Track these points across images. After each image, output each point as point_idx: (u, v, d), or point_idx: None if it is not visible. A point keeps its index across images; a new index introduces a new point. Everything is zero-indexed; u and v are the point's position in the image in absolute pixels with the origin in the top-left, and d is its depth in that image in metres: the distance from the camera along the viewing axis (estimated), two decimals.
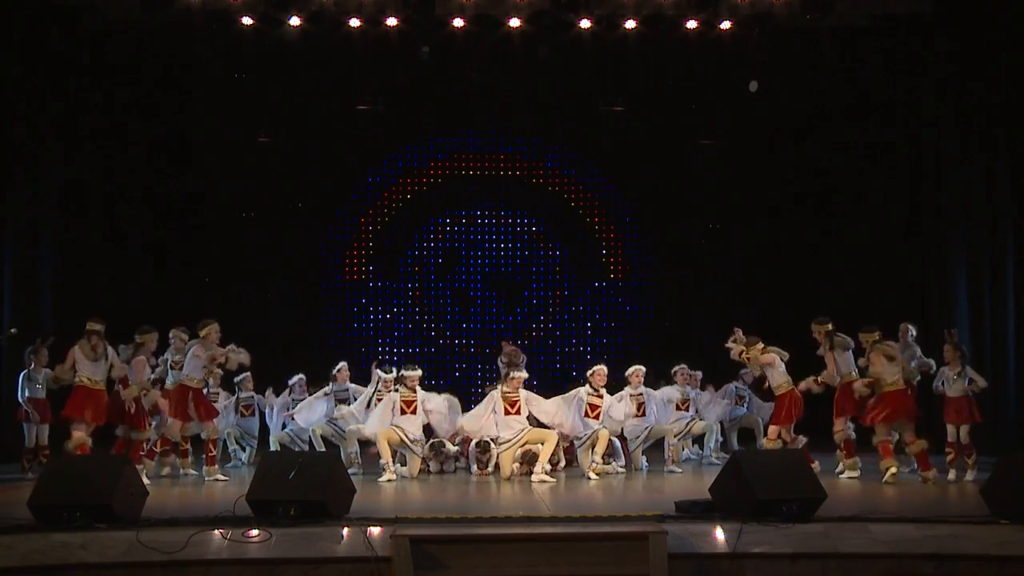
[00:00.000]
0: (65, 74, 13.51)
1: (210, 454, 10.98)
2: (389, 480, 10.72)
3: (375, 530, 7.41)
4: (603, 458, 11.16)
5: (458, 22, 13.43)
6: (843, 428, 10.90)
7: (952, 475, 10.49)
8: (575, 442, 11.45)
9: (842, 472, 10.76)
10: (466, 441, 11.77)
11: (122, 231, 14.71)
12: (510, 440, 11.00)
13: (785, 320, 14.72)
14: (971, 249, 13.47)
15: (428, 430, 11.63)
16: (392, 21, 13.37)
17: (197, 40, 13.62)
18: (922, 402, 11.46)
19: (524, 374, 11.30)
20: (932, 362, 11.13)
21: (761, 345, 11.22)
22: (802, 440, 11.08)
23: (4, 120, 13.14)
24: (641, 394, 11.69)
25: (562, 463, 11.62)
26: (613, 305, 16.59)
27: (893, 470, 10.31)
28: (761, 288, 15.73)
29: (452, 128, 16.52)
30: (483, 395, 11.67)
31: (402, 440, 11.05)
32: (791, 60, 14.30)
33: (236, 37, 13.42)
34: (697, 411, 12.39)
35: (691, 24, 13.50)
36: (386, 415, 11.11)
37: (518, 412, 11.06)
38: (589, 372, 11.38)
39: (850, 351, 10.97)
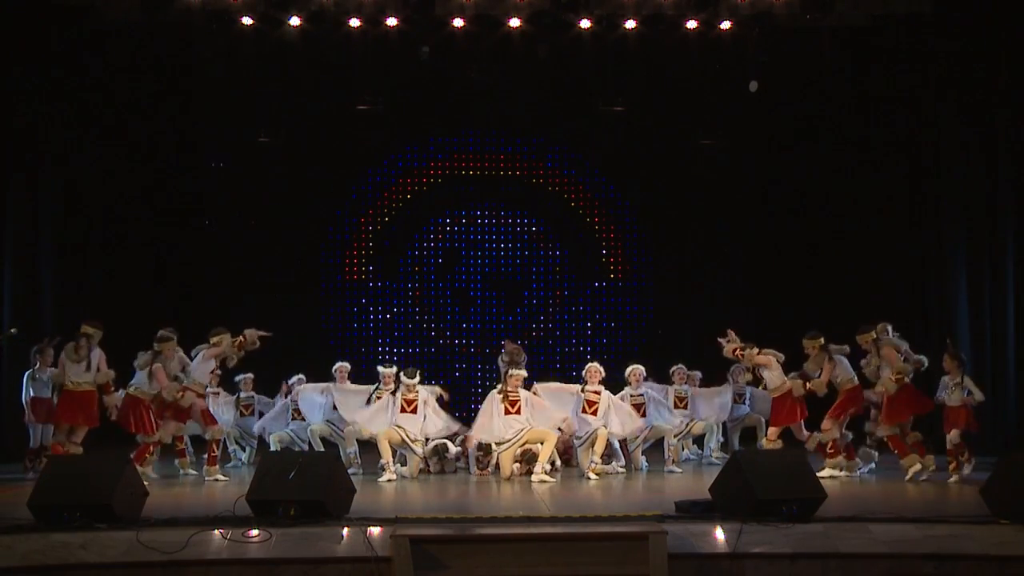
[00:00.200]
0: (65, 74, 13.50)
1: (212, 454, 10.99)
2: (389, 480, 10.73)
3: (375, 530, 7.42)
4: (603, 458, 11.16)
5: (458, 22, 13.43)
6: (830, 428, 10.92)
7: (954, 478, 10.51)
8: (575, 441, 11.46)
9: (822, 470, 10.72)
10: (466, 441, 11.78)
11: (122, 231, 14.70)
12: (510, 440, 11.00)
13: (785, 320, 14.77)
14: (971, 249, 13.46)
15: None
16: (392, 21, 13.36)
17: (197, 40, 13.62)
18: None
19: (523, 372, 11.31)
20: (924, 358, 11.08)
21: (756, 349, 11.29)
22: (817, 437, 11.09)
23: (4, 120, 13.14)
24: (641, 395, 11.68)
25: (558, 462, 11.59)
26: (613, 305, 16.58)
27: (916, 467, 10.47)
28: (761, 288, 15.74)
29: (452, 128, 16.52)
30: (483, 395, 11.66)
31: (403, 440, 11.05)
32: (791, 60, 14.29)
33: (236, 37, 13.41)
34: (695, 408, 12.36)
35: (691, 24, 13.48)
36: (380, 414, 11.10)
37: (518, 412, 11.06)
38: (584, 371, 11.39)
39: (846, 358, 11.05)
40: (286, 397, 12.22)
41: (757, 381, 11.83)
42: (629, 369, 11.74)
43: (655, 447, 12.14)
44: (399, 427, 11.05)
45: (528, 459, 11.05)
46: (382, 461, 10.92)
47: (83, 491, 7.60)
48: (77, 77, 13.66)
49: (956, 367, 10.75)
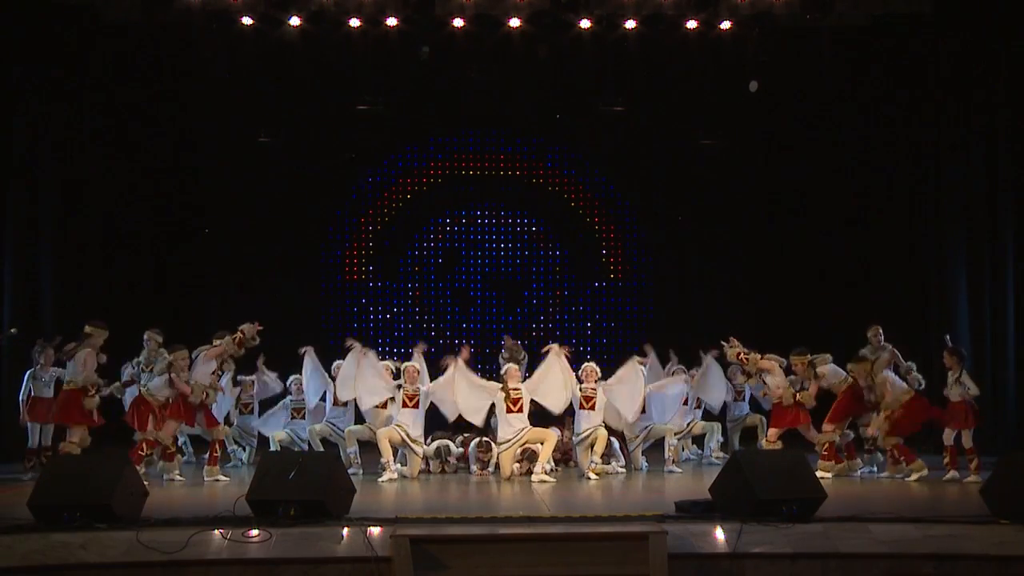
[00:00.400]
0: (65, 74, 13.50)
1: (214, 454, 11.00)
2: (389, 480, 10.73)
3: (375, 530, 7.41)
4: (602, 458, 11.17)
5: (458, 22, 13.43)
6: (831, 431, 11.03)
7: (950, 475, 10.54)
8: (574, 439, 11.46)
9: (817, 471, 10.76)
10: (466, 441, 11.79)
11: (122, 231, 14.70)
12: (510, 440, 11.00)
13: (785, 320, 14.81)
14: (971, 249, 13.47)
15: (431, 429, 11.67)
16: (392, 21, 13.37)
17: (197, 40, 13.62)
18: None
19: (515, 367, 11.29)
20: (912, 364, 11.28)
21: (759, 355, 11.41)
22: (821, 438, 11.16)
23: (4, 120, 13.15)
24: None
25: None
26: (613, 305, 16.59)
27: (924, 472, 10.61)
28: (761, 288, 15.74)
29: (452, 128, 16.53)
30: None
31: (403, 439, 11.05)
32: (791, 60, 14.30)
33: (236, 37, 13.42)
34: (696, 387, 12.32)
35: (691, 24, 13.49)
36: (377, 406, 11.15)
37: (520, 410, 11.06)
38: (579, 371, 11.40)
39: (831, 363, 11.18)
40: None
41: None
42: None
43: (655, 447, 12.14)
44: (399, 426, 11.06)
45: (528, 457, 11.06)
46: (382, 461, 10.93)
47: (83, 491, 7.60)
48: (77, 77, 13.66)
49: (956, 363, 10.79)
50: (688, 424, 12.31)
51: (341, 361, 12.06)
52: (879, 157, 14.59)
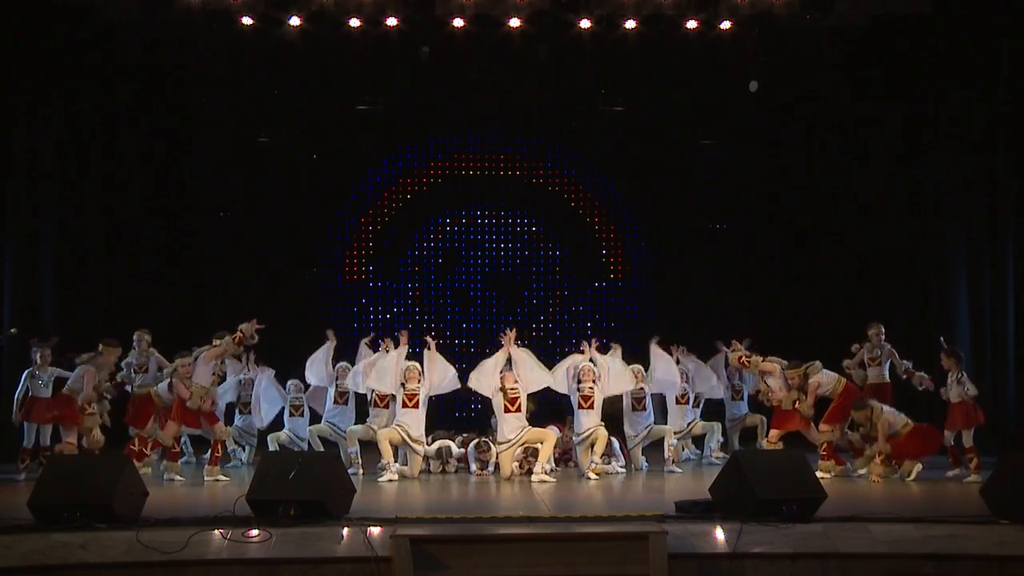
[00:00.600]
0: (65, 74, 13.50)
1: (215, 454, 11.02)
2: (389, 480, 10.73)
3: (375, 530, 7.42)
4: (602, 458, 11.17)
5: (458, 22, 13.42)
6: (828, 431, 11.08)
7: (955, 471, 10.59)
8: (574, 439, 11.46)
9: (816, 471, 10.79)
10: (466, 441, 11.79)
11: (122, 231, 14.69)
12: (510, 440, 11.01)
13: (785, 320, 14.81)
14: (971, 249, 13.47)
15: (431, 428, 11.68)
16: (392, 21, 13.35)
17: (197, 40, 13.62)
18: (914, 405, 11.63)
19: (511, 370, 11.31)
20: (909, 363, 11.38)
21: (761, 357, 11.50)
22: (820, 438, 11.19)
23: (4, 119, 13.14)
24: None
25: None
26: (613, 305, 16.58)
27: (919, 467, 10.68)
28: (761, 288, 15.72)
29: (452, 128, 16.51)
30: (483, 395, 11.62)
31: (404, 439, 11.05)
32: (791, 60, 14.30)
33: (236, 37, 13.41)
34: (693, 381, 12.34)
35: (691, 24, 13.47)
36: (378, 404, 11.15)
37: (518, 410, 11.07)
38: (578, 371, 11.40)
39: (823, 370, 11.25)
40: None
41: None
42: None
43: (655, 447, 12.13)
44: (399, 426, 11.06)
45: (532, 454, 11.07)
46: (382, 461, 10.93)
47: (83, 491, 7.60)
48: (77, 77, 13.66)
49: (955, 364, 10.83)
50: (688, 424, 12.32)
51: (345, 363, 12.11)
52: (879, 157, 14.58)
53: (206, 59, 13.87)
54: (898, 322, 12.30)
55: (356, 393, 11.97)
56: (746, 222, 16.10)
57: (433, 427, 11.96)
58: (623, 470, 11.58)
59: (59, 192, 13.57)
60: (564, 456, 12.01)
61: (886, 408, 10.87)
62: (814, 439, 11.22)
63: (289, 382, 12.30)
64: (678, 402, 12.22)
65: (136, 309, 13.66)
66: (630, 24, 13.44)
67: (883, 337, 11.63)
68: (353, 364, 12.05)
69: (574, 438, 11.46)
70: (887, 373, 11.67)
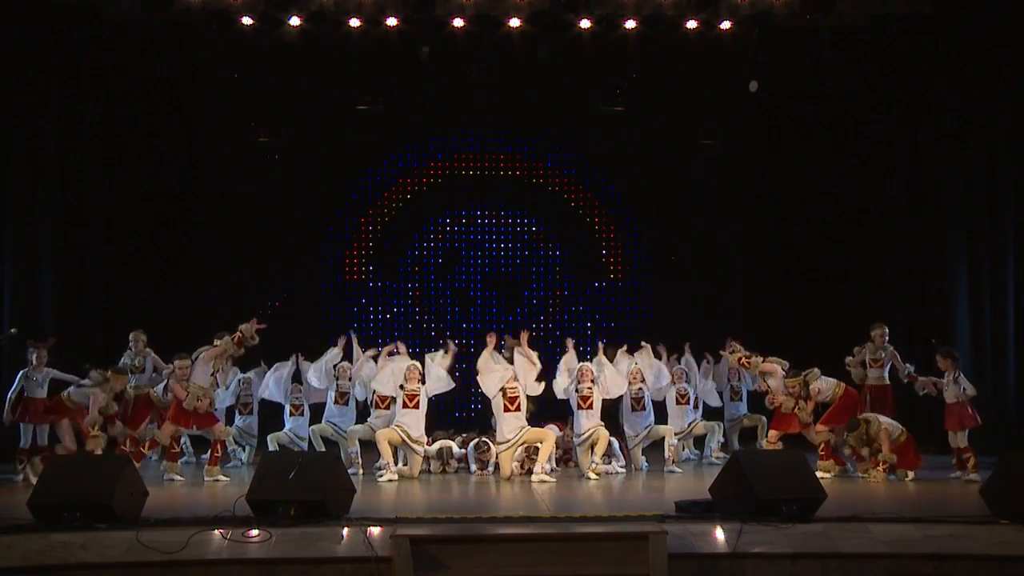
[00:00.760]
0: (65, 74, 13.50)
1: (215, 454, 11.02)
2: (389, 480, 10.73)
3: (375, 530, 7.42)
4: (603, 458, 11.17)
5: (458, 22, 13.42)
6: (825, 431, 11.10)
7: (957, 473, 10.63)
8: (574, 441, 11.47)
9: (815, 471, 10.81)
10: (466, 441, 11.80)
11: (122, 231, 14.69)
12: (509, 440, 11.01)
13: (785, 320, 14.80)
14: (971, 249, 13.47)
15: (431, 429, 11.69)
16: (392, 21, 13.36)
17: (197, 40, 13.62)
18: (913, 406, 11.64)
19: (511, 369, 11.31)
20: (911, 367, 11.42)
21: (761, 358, 11.49)
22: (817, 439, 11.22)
23: (4, 119, 13.14)
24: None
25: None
26: (613, 305, 16.57)
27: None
28: (761, 288, 15.72)
29: (452, 128, 16.50)
30: (483, 396, 11.63)
31: (404, 440, 11.05)
32: (791, 60, 14.30)
33: (236, 37, 13.41)
34: (695, 386, 12.36)
35: (691, 24, 13.48)
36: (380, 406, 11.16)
37: (517, 410, 11.07)
38: (576, 371, 11.40)
39: (821, 376, 11.29)
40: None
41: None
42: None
43: (655, 447, 12.14)
44: (399, 427, 11.06)
45: (533, 453, 11.07)
46: (383, 461, 10.93)
47: (83, 491, 7.60)
48: (77, 77, 13.66)
49: (951, 364, 10.85)
50: (689, 424, 12.32)
51: (346, 363, 12.12)
52: (879, 157, 14.58)
53: (206, 59, 13.87)
54: (898, 322, 12.29)
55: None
56: (746, 222, 16.08)
57: (433, 427, 11.97)
58: (623, 470, 11.59)
59: (59, 192, 13.57)
60: (565, 456, 12.01)
61: (882, 419, 10.87)
62: (813, 440, 11.23)
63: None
64: (678, 402, 12.22)
65: (136, 309, 13.66)
66: (630, 24, 13.44)
67: (887, 338, 11.62)
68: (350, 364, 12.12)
69: (575, 439, 11.46)
70: (887, 375, 11.67)
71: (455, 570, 7.15)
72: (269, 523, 7.47)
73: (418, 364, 11.38)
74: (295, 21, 13.24)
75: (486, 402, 11.63)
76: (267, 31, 13.37)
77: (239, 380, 12.35)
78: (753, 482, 7.79)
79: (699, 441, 12.97)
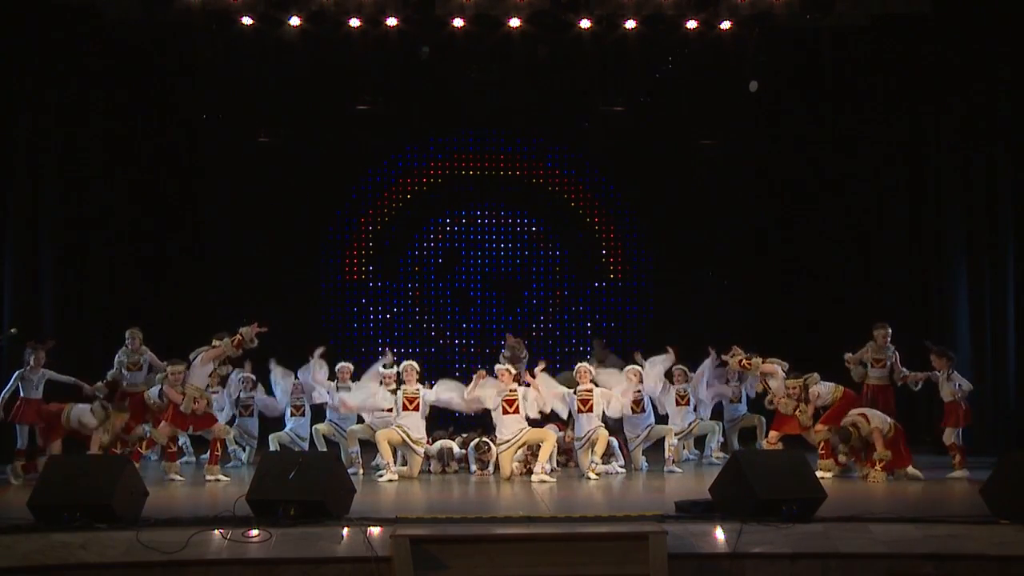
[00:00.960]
0: (65, 74, 13.48)
1: (215, 453, 11.01)
2: (389, 480, 10.73)
3: (375, 530, 7.43)
4: (603, 458, 11.17)
5: (458, 22, 13.40)
6: (823, 431, 11.11)
7: (956, 473, 10.65)
8: (575, 442, 11.47)
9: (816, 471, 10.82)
10: (466, 442, 11.79)
11: (122, 231, 14.68)
12: (510, 440, 11.01)
13: (785, 320, 14.80)
14: (971, 249, 13.46)
15: (431, 429, 11.69)
16: (392, 21, 13.34)
17: (197, 40, 13.62)
18: (913, 407, 11.65)
19: (512, 369, 11.29)
20: (906, 371, 11.47)
21: (762, 359, 11.48)
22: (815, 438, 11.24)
23: (4, 119, 13.13)
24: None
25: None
26: (613, 305, 16.56)
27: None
28: (761, 289, 15.71)
29: (452, 128, 16.50)
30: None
31: (403, 440, 11.05)
32: (791, 60, 14.29)
33: (236, 37, 13.41)
34: (695, 396, 12.35)
35: (691, 24, 13.47)
36: (377, 398, 11.22)
37: (516, 411, 11.07)
38: (575, 371, 11.38)
39: (820, 381, 11.32)
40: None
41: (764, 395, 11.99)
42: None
43: (655, 447, 12.13)
44: (399, 427, 11.06)
45: (533, 452, 11.08)
46: (383, 461, 10.92)
47: (83, 491, 7.61)
48: (77, 77, 13.64)
49: (945, 363, 10.94)
50: (689, 424, 12.31)
51: (346, 363, 12.14)
52: (879, 157, 14.57)
53: (206, 59, 13.87)
54: (898, 322, 12.28)
55: None
56: (746, 222, 16.08)
57: (433, 427, 11.96)
58: (623, 470, 11.58)
59: (59, 192, 13.56)
60: (564, 459, 11.99)
61: (870, 416, 10.84)
62: (813, 440, 11.24)
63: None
64: (678, 403, 12.21)
65: (136, 309, 13.65)
66: (630, 24, 13.43)
67: (890, 339, 11.63)
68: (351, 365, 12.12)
69: (575, 442, 11.46)
70: (888, 375, 11.68)
71: (455, 570, 7.15)
72: (269, 523, 7.48)
73: (415, 363, 11.39)
74: (295, 21, 13.22)
75: None
76: (267, 31, 13.35)
77: (239, 379, 12.33)
78: (753, 482, 7.80)
79: (699, 441, 12.97)
